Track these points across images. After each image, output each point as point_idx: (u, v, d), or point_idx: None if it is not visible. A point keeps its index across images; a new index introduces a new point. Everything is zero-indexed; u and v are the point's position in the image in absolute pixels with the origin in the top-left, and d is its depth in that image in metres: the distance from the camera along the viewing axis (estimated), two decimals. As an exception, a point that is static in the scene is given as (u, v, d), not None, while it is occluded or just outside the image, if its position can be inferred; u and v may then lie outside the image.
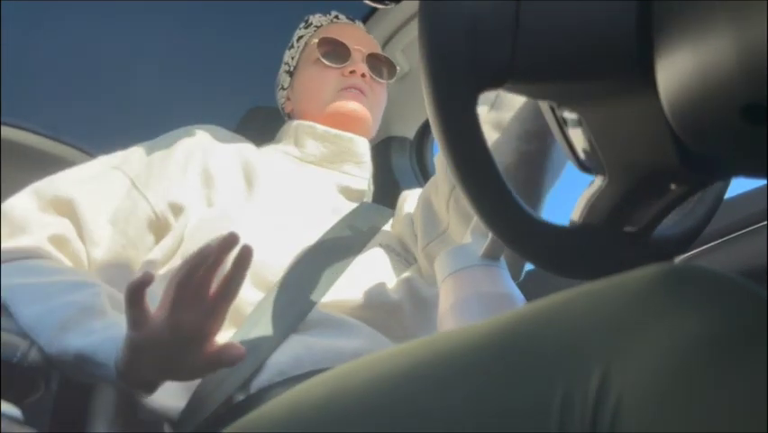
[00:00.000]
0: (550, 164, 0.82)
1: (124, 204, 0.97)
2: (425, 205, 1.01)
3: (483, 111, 0.85)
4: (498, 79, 0.50)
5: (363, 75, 1.14)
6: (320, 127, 1.11)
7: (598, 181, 0.55)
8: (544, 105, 0.58)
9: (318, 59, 1.14)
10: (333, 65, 1.14)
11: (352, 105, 1.12)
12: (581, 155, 0.56)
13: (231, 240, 0.71)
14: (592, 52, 0.48)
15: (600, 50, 0.48)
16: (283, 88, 1.21)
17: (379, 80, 1.17)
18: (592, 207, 0.55)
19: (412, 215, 1.06)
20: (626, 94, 0.49)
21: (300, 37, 1.22)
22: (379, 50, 1.20)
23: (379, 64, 1.18)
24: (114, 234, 0.95)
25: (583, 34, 0.48)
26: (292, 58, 1.21)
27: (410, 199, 1.10)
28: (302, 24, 1.23)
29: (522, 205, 0.51)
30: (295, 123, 1.15)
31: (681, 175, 0.51)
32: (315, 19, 1.23)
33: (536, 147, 0.81)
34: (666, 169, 0.50)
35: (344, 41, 1.15)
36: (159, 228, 0.97)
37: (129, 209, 0.96)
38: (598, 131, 0.52)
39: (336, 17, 1.24)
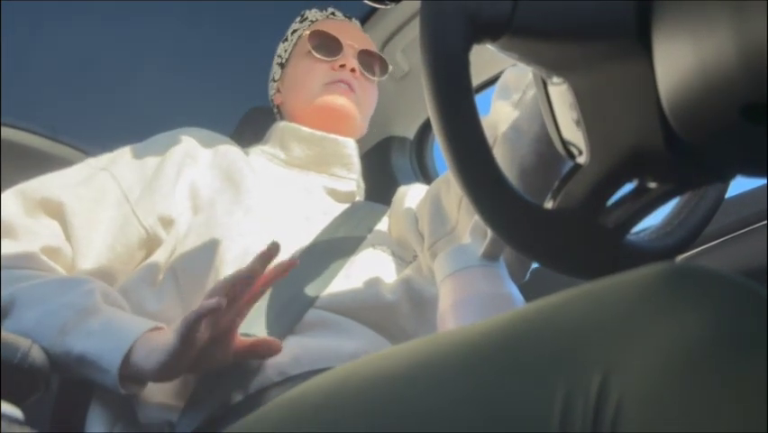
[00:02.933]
0: (567, 168, 0.81)
1: (117, 219, 0.95)
2: (434, 202, 1.00)
3: (506, 110, 0.84)
4: (496, 31, 0.49)
5: (353, 70, 1.12)
6: (305, 130, 1.11)
7: (579, 162, 0.54)
8: (536, 79, 0.57)
9: (309, 51, 1.14)
10: (324, 57, 1.13)
11: (340, 101, 1.10)
12: (566, 137, 0.55)
13: (273, 250, 0.77)
14: (593, 13, 0.48)
15: (601, 11, 0.48)
16: (274, 80, 1.21)
17: (370, 77, 1.16)
18: (568, 192, 0.53)
19: (416, 211, 1.06)
20: (620, 62, 0.49)
21: (294, 30, 1.22)
22: (372, 48, 1.19)
23: (371, 61, 1.17)
24: (102, 248, 0.93)
25: None
26: (285, 50, 1.21)
27: (411, 195, 1.09)
28: (297, 18, 1.23)
29: (498, 165, 0.51)
30: (281, 124, 1.14)
31: (665, 170, 0.51)
32: (311, 14, 1.22)
33: (555, 150, 0.80)
34: (650, 155, 0.49)
35: (337, 36, 1.14)
36: (150, 243, 0.96)
37: (121, 226, 0.95)
38: (585, 101, 0.51)
39: (333, 13, 1.23)
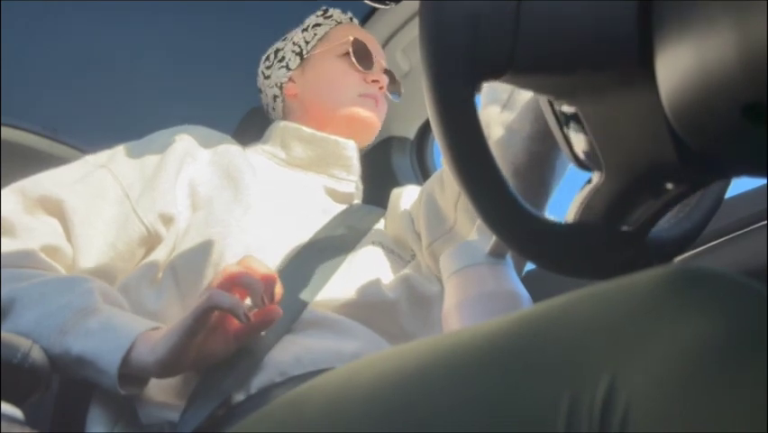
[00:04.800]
0: (559, 164, 0.82)
1: (118, 216, 0.95)
2: (429, 202, 1.01)
3: (495, 111, 0.85)
4: (498, 70, 0.49)
5: (381, 87, 1.16)
6: (306, 130, 1.12)
7: (594, 179, 0.55)
8: (542, 101, 0.58)
9: (347, 54, 1.15)
10: (362, 68, 1.15)
11: (368, 114, 1.14)
12: (579, 152, 0.56)
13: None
14: (593, 46, 0.48)
15: (601, 43, 0.48)
16: (288, 68, 1.20)
17: (388, 95, 1.20)
18: (588, 206, 0.54)
19: (411, 212, 1.06)
20: (626, 88, 0.49)
21: (318, 25, 1.22)
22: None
23: (390, 80, 1.21)
24: (103, 246, 0.93)
25: (584, 27, 0.48)
26: (306, 42, 1.20)
27: (406, 196, 1.10)
28: (319, 13, 1.23)
29: (518, 198, 0.51)
30: (281, 124, 1.15)
31: (679, 174, 0.51)
32: (336, 14, 1.23)
33: (547, 147, 0.82)
34: (664, 167, 0.50)
35: (371, 50, 1.18)
36: (150, 241, 0.96)
37: (122, 224, 0.94)
38: (596, 126, 0.51)
39: (351, 19, 1.25)
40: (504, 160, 0.82)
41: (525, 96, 0.85)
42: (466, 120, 0.49)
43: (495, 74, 0.50)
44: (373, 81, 1.15)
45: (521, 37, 0.48)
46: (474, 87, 0.49)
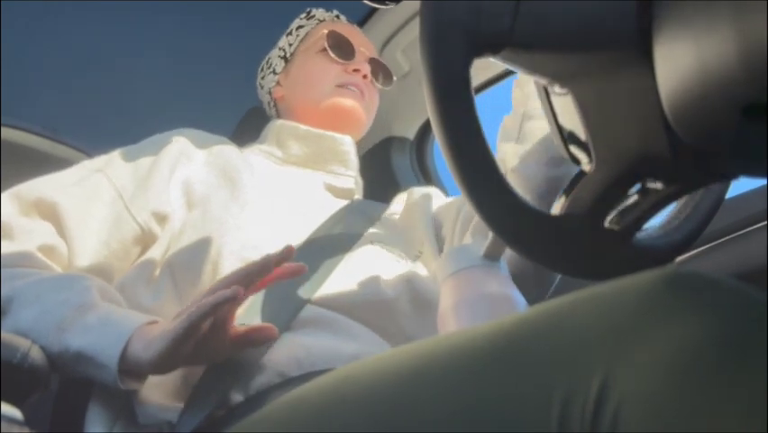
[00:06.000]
0: None
1: (110, 216, 0.95)
2: (467, 217, 1.02)
3: (509, 146, 0.89)
4: (497, 45, 0.50)
5: (365, 76, 1.15)
6: (302, 127, 1.12)
7: (584, 169, 0.55)
8: (538, 88, 0.58)
9: (324, 49, 1.15)
10: (339, 59, 1.15)
11: (350, 103, 1.12)
12: (571, 143, 0.56)
13: (288, 253, 0.77)
14: (592, 25, 0.48)
15: (600, 23, 0.48)
16: (275, 73, 1.21)
17: (377, 84, 1.19)
18: (575, 198, 0.54)
19: (438, 216, 1.08)
20: (622, 71, 0.49)
21: (301, 26, 1.22)
22: (378, 56, 1.22)
23: (378, 69, 1.20)
24: (97, 245, 0.93)
25: (584, 7, 0.48)
26: (290, 44, 1.21)
27: (436, 198, 1.12)
28: (303, 15, 1.24)
29: (506, 180, 0.51)
30: (278, 123, 1.15)
31: (668, 173, 0.51)
32: (318, 13, 1.24)
33: (564, 171, 0.85)
34: (654, 162, 0.50)
35: (350, 40, 1.17)
36: (145, 240, 0.96)
37: (114, 222, 0.95)
38: (588, 109, 0.51)
39: (338, 16, 1.25)
40: (524, 190, 0.85)
41: (535, 126, 0.87)
42: (461, 95, 0.49)
43: (494, 48, 0.50)
44: (354, 71, 1.14)
45: (521, 12, 0.49)
46: (471, 61, 0.49)
